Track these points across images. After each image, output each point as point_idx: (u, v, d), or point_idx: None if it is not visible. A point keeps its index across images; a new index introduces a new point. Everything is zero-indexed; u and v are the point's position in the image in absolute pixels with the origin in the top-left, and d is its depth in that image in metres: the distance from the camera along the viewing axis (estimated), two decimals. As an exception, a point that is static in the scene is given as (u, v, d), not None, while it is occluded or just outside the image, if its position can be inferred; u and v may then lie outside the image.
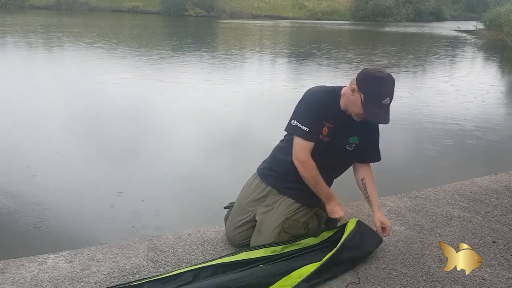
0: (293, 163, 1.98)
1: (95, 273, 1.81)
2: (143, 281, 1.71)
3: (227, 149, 4.43)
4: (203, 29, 22.44)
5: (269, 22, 28.80)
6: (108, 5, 32.69)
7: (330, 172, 2.07)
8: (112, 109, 5.91)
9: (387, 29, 27.19)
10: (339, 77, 9.17)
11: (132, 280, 1.76)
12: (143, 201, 3.22)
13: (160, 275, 1.77)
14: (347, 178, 2.20)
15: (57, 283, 1.74)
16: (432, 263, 1.99)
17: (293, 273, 1.79)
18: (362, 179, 2.12)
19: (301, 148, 1.94)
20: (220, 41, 17.05)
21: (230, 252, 2.00)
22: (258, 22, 28.98)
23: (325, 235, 2.06)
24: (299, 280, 1.74)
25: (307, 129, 1.92)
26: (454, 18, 42.68)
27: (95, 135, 4.71)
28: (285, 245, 1.93)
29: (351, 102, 1.91)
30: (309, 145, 1.94)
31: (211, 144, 4.58)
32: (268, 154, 2.18)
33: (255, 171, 2.17)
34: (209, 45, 15.13)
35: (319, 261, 1.83)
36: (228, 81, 8.23)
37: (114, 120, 5.38)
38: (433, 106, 6.76)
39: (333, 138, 1.97)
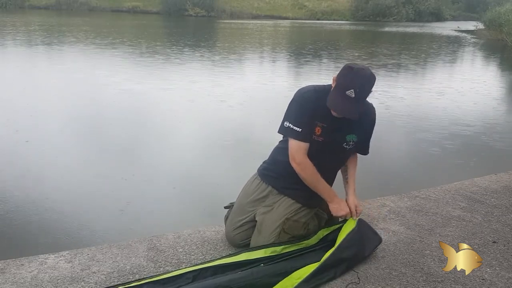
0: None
1: (95, 273, 1.81)
2: (143, 282, 1.71)
3: (227, 149, 4.43)
4: (204, 29, 22.44)
5: (269, 22, 28.80)
6: (108, 5, 32.69)
7: (329, 171, 2.06)
8: (112, 109, 5.91)
9: (387, 29, 27.20)
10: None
11: (132, 280, 1.76)
12: (143, 201, 3.22)
13: (159, 275, 1.77)
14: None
15: (57, 283, 1.74)
16: (432, 263, 1.99)
17: (293, 273, 1.79)
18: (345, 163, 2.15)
19: (297, 150, 1.93)
20: (220, 41, 17.05)
21: (230, 252, 2.00)
22: (258, 22, 28.99)
23: (323, 232, 2.06)
24: (299, 281, 1.74)
25: (300, 130, 1.91)
26: (454, 18, 42.70)
27: (95, 135, 4.72)
28: (285, 246, 1.93)
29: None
30: (304, 145, 1.93)
31: (211, 144, 4.59)
32: (268, 154, 2.18)
33: (255, 171, 2.17)
34: (210, 45, 15.12)
35: (319, 261, 1.83)
36: (229, 81, 8.23)
37: (114, 120, 5.39)
38: (433, 106, 6.76)
39: (328, 138, 1.95)
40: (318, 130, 1.94)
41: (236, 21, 29.16)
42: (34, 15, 25.42)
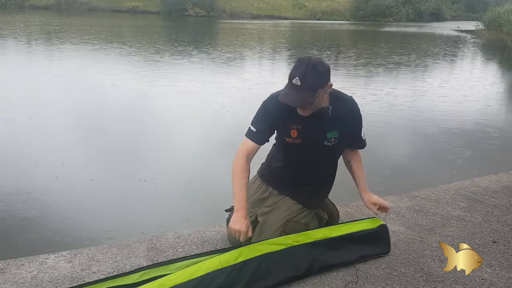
0: (285, 168, 2.02)
1: (95, 273, 1.81)
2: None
3: (228, 149, 4.43)
4: (204, 30, 22.44)
5: (269, 22, 28.80)
6: (108, 5, 32.72)
7: (318, 171, 2.03)
8: (111, 109, 5.91)
9: (387, 29, 27.21)
10: (340, 76, 9.19)
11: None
12: (143, 201, 3.22)
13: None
14: (347, 179, 2.20)
15: (57, 283, 1.74)
16: (432, 263, 1.99)
17: (310, 232, 1.89)
18: (349, 162, 2.11)
19: (241, 147, 1.92)
20: (221, 41, 17.05)
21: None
22: (258, 22, 28.99)
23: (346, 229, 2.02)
24: (306, 241, 1.83)
25: (255, 130, 1.91)
26: (454, 18, 42.75)
27: (95, 135, 4.71)
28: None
29: None
30: (250, 144, 1.91)
31: (212, 144, 4.59)
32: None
33: (255, 172, 2.17)
34: (211, 45, 15.12)
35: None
36: (230, 82, 8.23)
37: (114, 120, 5.39)
38: (433, 105, 6.76)
39: (306, 139, 1.92)
40: (293, 133, 1.92)
41: (236, 21, 29.17)
42: (34, 15, 25.42)
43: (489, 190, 2.90)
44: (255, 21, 29.51)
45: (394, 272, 1.91)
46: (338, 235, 1.93)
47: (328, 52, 13.65)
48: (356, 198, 2.50)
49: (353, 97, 2.02)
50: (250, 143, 1.92)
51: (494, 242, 2.21)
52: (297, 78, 1.75)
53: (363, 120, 2.03)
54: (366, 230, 1.99)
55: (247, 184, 1.88)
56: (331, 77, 1.84)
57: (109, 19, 25.15)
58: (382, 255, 2.02)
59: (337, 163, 2.11)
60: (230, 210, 2.19)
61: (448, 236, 2.25)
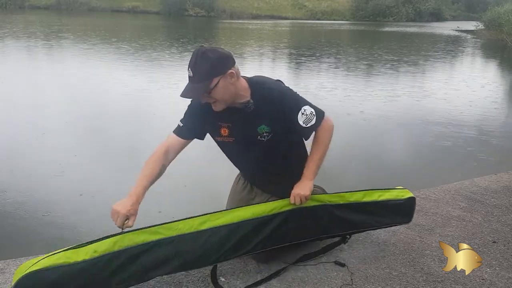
0: (240, 168, 2.06)
1: (95, 273, 1.81)
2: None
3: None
4: (204, 30, 22.46)
5: (269, 22, 28.80)
6: (108, 5, 32.72)
7: (263, 166, 1.93)
8: (111, 109, 5.91)
9: (387, 29, 27.21)
10: (340, 75, 9.19)
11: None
12: (142, 200, 3.21)
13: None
14: (348, 179, 2.20)
15: (57, 283, 1.73)
16: (432, 263, 1.99)
17: (346, 194, 1.95)
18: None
19: (166, 140, 1.91)
20: (221, 41, 17.05)
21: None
22: (258, 22, 28.99)
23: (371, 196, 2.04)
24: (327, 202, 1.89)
25: (181, 125, 1.89)
26: (454, 18, 42.73)
27: (95, 135, 4.71)
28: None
29: None
30: (172, 138, 1.89)
31: (212, 144, 4.58)
32: None
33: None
34: (211, 45, 15.11)
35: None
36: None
37: (113, 119, 5.39)
38: (433, 105, 6.76)
39: (238, 136, 1.85)
40: (224, 131, 1.86)
41: (236, 21, 29.17)
42: (34, 14, 25.43)
43: (489, 190, 2.91)
44: (255, 21, 29.51)
45: (394, 272, 1.91)
46: (368, 201, 1.98)
47: (328, 52, 13.64)
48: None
49: (280, 80, 1.86)
50: (172, 137, 1.89)
51: (494, 242, 2.21)
52: (189, 69, 1.66)
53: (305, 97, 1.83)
54: (395, 200, 2.03)
55: (153, 176, 1.82)
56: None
57: (109, 19, 25.16)
58: (382, 256, 2.03)
59: (298, 151, 1.94)
60: None
61: (448, 236, 2.25)
